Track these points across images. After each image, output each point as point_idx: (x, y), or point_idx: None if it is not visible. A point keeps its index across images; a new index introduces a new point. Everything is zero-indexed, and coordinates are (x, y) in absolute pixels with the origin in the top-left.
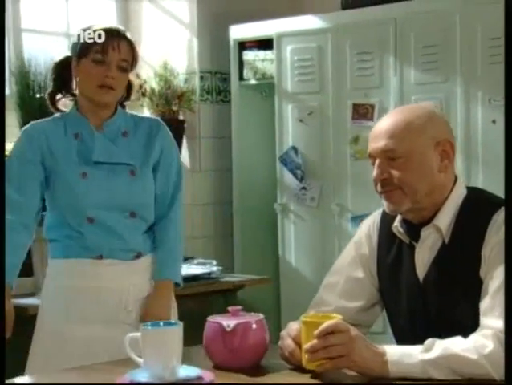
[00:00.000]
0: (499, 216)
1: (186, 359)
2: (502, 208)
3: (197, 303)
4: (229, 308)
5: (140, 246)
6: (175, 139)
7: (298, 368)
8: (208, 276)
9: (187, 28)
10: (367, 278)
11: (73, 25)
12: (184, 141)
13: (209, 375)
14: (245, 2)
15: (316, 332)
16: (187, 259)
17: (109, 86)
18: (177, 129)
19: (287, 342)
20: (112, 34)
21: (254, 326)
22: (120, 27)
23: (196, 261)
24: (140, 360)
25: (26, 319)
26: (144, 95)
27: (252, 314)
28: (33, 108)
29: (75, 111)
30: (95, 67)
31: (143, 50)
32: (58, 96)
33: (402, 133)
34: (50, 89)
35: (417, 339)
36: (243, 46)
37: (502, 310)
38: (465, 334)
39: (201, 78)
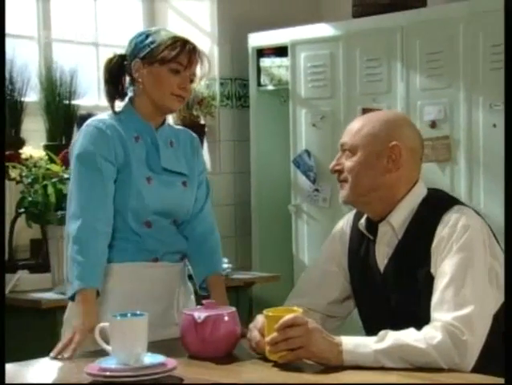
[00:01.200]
0: (447, 216)
1: (163, 350)
2: (453, 208)
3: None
4: (203, 301)
5: (183, 247)
6: None
7: (265, 358)
8: None
9: (208, 36)
10: (340, 273)
11: (101, 35)
12: (205, 145)
13: (171, 362)
14: (264, 10)
15: (276, 326)
16: None
17: (183, 96)
18: (198, 133)
19: (254, 334)
20: (196, 48)
21: (226, 318)
22: None
23: None
24: (109, 348)
25: (40, 312)
26: None
27: (226, 307)
28: (58, 114)
29: (133, 114)
30: (172, 76)
31: None
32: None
33: (356, 131)
34: (106, 90)
35: (382, 330)
36: (262, 53)
37: (451, 305)
38: (423, 326)
39: (221, 84)
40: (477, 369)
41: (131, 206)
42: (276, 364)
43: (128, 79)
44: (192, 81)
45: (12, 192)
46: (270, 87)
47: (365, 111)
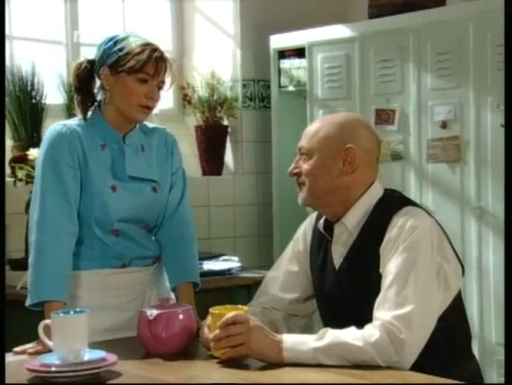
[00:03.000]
0: (397, 217)
1: (122, 347)
2: (403, 210)
3: (218, 297)
4: (160, 298)
5: (156, 251)
6: (219, 143)
7: None
8: (228, 272)
9: (231, 38)
10: (301, 273)
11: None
12: (228, 145)
13: (112, 357)
14: (285, 12)
15: (218, 323)
16: (215, 256)
17: (150, 107)
18: (221, 134)
19: (204, 331)
20: (163, 57)
21: (180, 315)
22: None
23: (221, 258)
24: (51, 344)
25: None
26: (189, 102)
27: (182, 304)
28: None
29: (101, 120)
30: (139, 86)
31: (195, 61)
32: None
33: (312, 135)
34: (78, 97)
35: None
36: (283, 54)
37: (392, 304)
38: None
39: (244, 85)
40: (419, 367)
41: (95, 215)
42: (222, 361)
43: (97, 84)
44: (160, 88)
45: (23, 193)
46: (291, 88)
47: (378, 112)
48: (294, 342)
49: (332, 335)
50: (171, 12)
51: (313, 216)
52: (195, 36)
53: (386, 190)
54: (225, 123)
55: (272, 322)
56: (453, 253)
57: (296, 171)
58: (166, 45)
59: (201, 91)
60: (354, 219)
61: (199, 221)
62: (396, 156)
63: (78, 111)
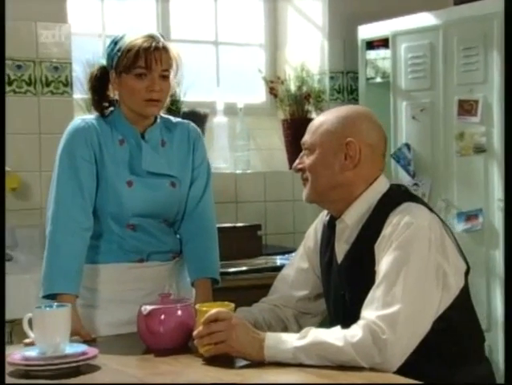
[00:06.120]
0: (394, 213)
1: (126, 342)
2: (401, 206)
3: None
4: (160, 294)
5: (176, 246)
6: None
7: None
8: None
9: (320, 30)
10: (311, 270)
11: (222, 33)
12: None
13: (93, 351)
14: (373, 2)
15: (202, 320)
16: (288, 252)
17: (156, 99)
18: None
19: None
20: (152, 47)
21: (179, 312)
22: (158, 34)
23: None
24: (33, 336)
25: None
26: (276, 96)
27: (184, 300)
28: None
29: (120, 117)
30: (139, 82)
31: (287, 54)
32: (104, 104)
33: (315, 129)
34: (92, 99)
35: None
36: (372, 45)
37: (379, 304)
38: None
39: (332, 78)
40: (419, 369)
41: (110, 210)
42: (206, 357)
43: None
44: (165, 77)
45: None
46: (378, 80)
47: (461, 102)
48: (276, 340)
49: (314, 335)
50: (264, 7)
51: (324, 212)
52: (287, 30)
53: (392, 186)
54: (313, 116)
55: (282, 319)
56: (457, 252)
57: (300, 166)
58: (260, 39)
59: (290, 84)
60: (355, 215)
61: (284, 216)
62: (479, 149)
63: (94, 109)
